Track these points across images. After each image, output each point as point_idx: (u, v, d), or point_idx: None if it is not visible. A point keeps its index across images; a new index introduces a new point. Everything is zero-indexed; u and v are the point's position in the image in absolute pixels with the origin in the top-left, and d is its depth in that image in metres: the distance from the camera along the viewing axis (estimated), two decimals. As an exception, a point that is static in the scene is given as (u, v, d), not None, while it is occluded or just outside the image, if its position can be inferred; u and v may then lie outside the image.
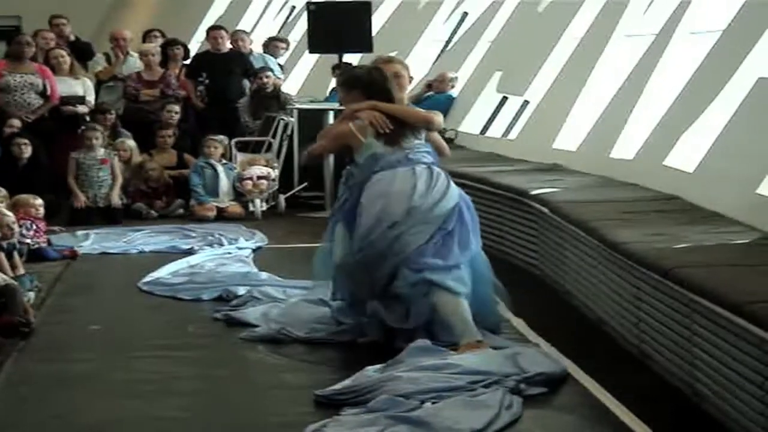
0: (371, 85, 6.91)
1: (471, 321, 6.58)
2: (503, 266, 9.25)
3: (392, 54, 7.49)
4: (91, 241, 10.32)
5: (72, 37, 13.81)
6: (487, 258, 7.01)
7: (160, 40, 13.85)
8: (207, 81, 13.12)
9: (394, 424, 5.30)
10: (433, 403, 5.58)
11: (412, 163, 6.78)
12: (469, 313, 6.60)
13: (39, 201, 9.96)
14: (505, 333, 7.03)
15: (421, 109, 7.13)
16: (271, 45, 14.37)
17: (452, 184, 6.87)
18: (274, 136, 12.66)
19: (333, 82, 14.28)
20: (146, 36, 14.12)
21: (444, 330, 6.57)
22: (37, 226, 9.74)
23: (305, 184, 12.48)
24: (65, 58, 12.49)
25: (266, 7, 20.86)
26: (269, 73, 13.09)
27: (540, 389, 5.90)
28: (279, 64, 14.45)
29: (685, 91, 9.15)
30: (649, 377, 6.34)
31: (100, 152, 11.72)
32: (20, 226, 9.16)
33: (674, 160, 8.90)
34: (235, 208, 11.92)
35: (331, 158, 11.75)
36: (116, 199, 11.61)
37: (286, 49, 14.92)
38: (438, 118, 7.00)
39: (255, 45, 14.70)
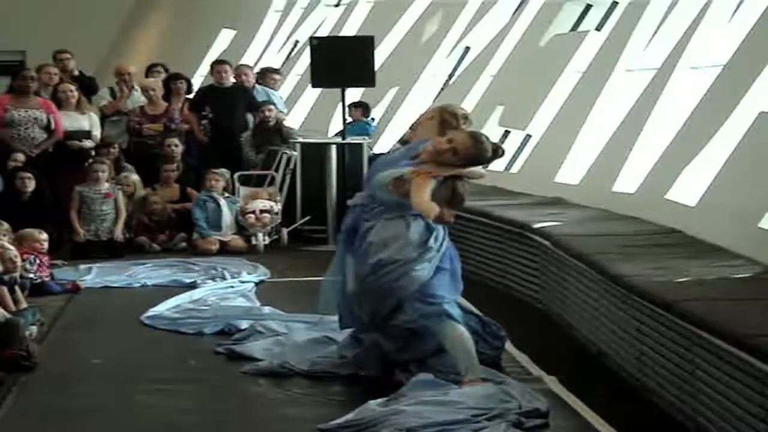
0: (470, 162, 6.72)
1: (476, 357, 6.58)
2: (505, 299, 9.28)
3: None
4: (93, 275, 10.32)
5: (76, 72, 13.86)
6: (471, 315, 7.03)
7: (163, 75, 13.89)
8: (211, 115, 13.15)
9: (396, 458, 5.29)
10: (436, 436, 5.57)
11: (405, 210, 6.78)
12: (474, 348, 6.60)
13: (44, 236, 9.97)
14: (507, 366, 7.03)
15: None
16: (266, 77, 14.40)
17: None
18: (276, 170, 12.68)
19: (336, 116, 14.34)
20: (149, 70, 14.17)
21: (443, 362, 6.57)
22: (40, 260, 9.75)
23: (308, 217, 12.49)
24: (73, 93, 12.52)
25: (270, 42, 20.95)
26: (271, 107, 13.13)
27: (538, 421, 5.90)
28: (280, 97, 14.49)
29: (687, 125, 9.18)
30: (651, 410, 6.33)
31: (105, 186, 11.75)
32: (24, 261, 9.17)
33: (676, 193, 8.91)
34: (238, 241, 11.93)
35: (334, 191, 11.78)
36: (119, 234, 11.63)
37: (281, 79, 14.95)
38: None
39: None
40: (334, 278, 7.01)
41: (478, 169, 6.84)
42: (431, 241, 6.71)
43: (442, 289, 6.68)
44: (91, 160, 12.07)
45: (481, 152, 6.69)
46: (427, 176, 6.56)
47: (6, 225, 9.73)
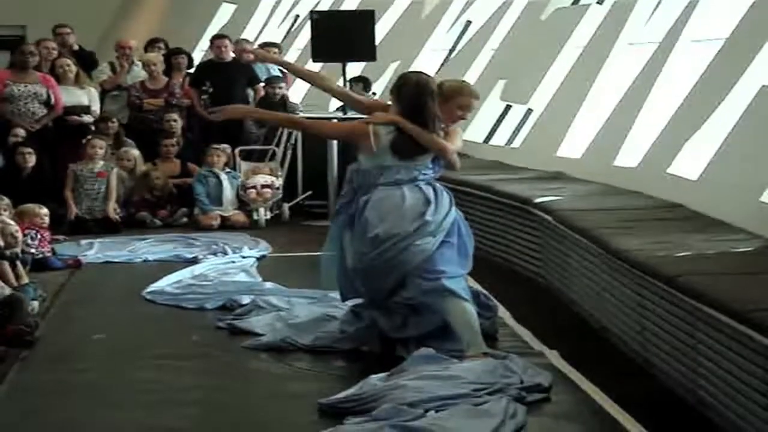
0: (406, 97, 6.84)
1: (479, 331, 6.59)
2: (507, 274, 9.29)
3: (461, 81, 7.14)
4: (95, 251, 10.32)
5: (76, 47, 13.82)
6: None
7: (163, 50, 13.85)
8: (211, 90, 13.13)
9: (397, 433, 5.30)
10: (437, 411, 5.58)
11: (415, 181, 6.79)
12: (477, 323, 6.61)
13: (44, 210, 9.97)
14: (508, 341, 7.04)
15: (441, 141, 6.84)
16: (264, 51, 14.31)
17: (453, 201, 6.89)
18: (278, 145, 12.67)
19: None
20: (149, 46, 14.13)
21: (443, 345, 6.57)
22: (41, 235, 9.74)
23: (309, 192, 12.49)
24: (71, 68, 12.50)
25: (270, 16, 20.89)
26: (282, 85, 13.09)
27: (539, 395, 5.91)
28: (281, 70, 14.43)
29: (689, 99, 9.16)
30: (653, 385, 6.34)
31: (99, 165, 11.73)
32: (25, 236, 9.17)
33: (678, 168, 8.90)
34: (239, 216, 11.93)
35: (335, 166, 11.77)
36: (111, 213, 11.60)
37: (279, 53, 14.88)
38: (454, 155, 6.84)
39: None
40: (331, 253, 7.02)
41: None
42: (429, 213, 6.69)
43: (445, 263, 6.66)
44: (90, 137, 12.05)
45: (398, 86, 6.94)
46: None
47: (6, 200, 9.73)
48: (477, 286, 7.59)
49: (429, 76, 7.10)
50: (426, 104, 6.80)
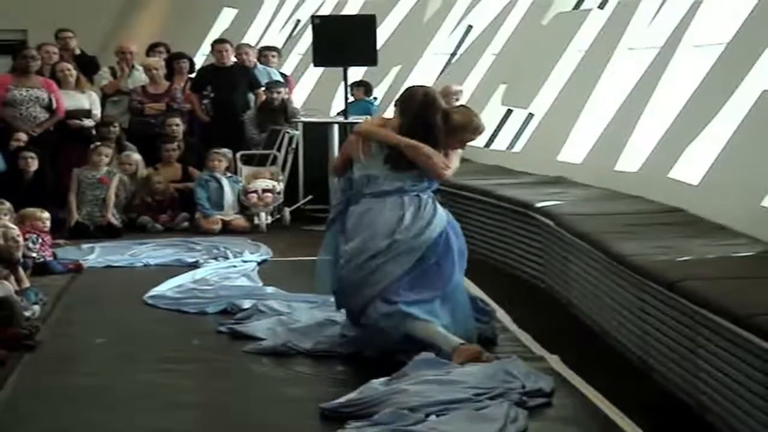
0: (411, 111, 6.86)
1: (446, 332, 6.58)
2: (508, 279, 9.29)
3: (470, 114, 7.10)
4: (96, 255, 10.33)
5: (77, 51, 13.84)
6: (466, 292, 7.00)
7: (164, 55, 13.87)
8: (212, 94, 13.14)
9: (398, 437, 5.30)
10: (438, 416, 5.58)
11: (402, 192, 6.79)
12: (443, 329, 6.60)
13: (46, 214, 9.98)
14: (509, 345, 7.04)
15: (439, 167, 6.83)
16: (263, 55, 14.34)
17: (439, 211, 6.85)
18: (279, 149, 12.67)
19: (338, 95, 14.34)
20: (151, 50, 14.14)
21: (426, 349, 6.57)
22: (43, 239, 9.75)
23: (310, 197, 12.49)
24: (71, 72, 12.51)
25: (271, 21, 20.90)
26: (281, 89, 13.11)
27: (541, 400, 5.91)
28: (283, 74, 14.45)
29: (690, 103, 9.16)
30: (654, 389, 6.34)
31: (102, 171, 11.74)
32: (26, 240, 9.17)
33: (679, 172, 8.90)
34: (240, 221, 11.93)
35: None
36: (111, 219, 11.60)
37: (279, 57, 14.91)
38: (448, 172, 6.88)
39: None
40: (326, 258, 7.04)
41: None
42: (398, 232, 6.66)
43: (415, 287, 6.64)
44: (98, 143, 12.07)
45: (404, 98, 7.03)
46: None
47: (8, 204, 9.73)
48: (474, 291, 7.59)
49: (435, 91, 7.07)
50: (431, 121, 6.82)
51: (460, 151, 7.04)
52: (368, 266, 6.67)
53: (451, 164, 6.89)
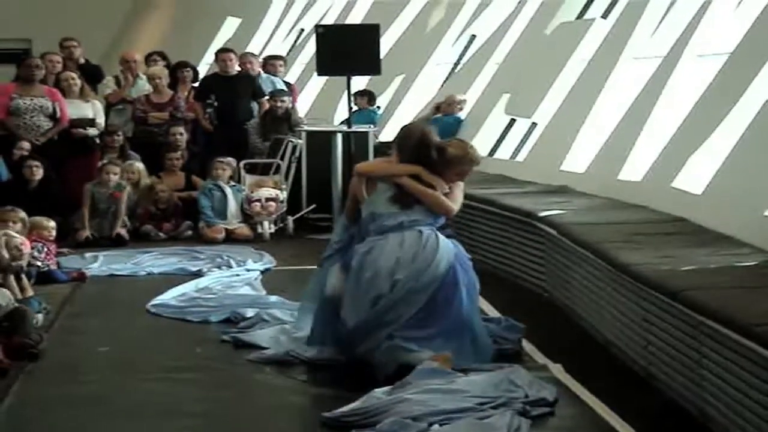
0: (408, 150, 6.97)
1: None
2: (511, 287, 9.29)
3: (465, 146, 7.19)
4: (99, 263, 10.33)
5: (81, 60, 13.86)
6: (483, 325, 7.01)
7: (161, 63, 13.88)
8: (216, 103, 13.15)
9: (401, 446, 5.30)
10: (442, 425, 5.58)
11: (403, 228, 6.81)
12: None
13: (52, 224, 9.99)
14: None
15: (445, 202, 6.95)
16: (269, 64, 14.37)
17: (444, 245, 6.82)
18: (282, 158, 12.68)
19: (341, 104, 14.35)
20: (147, 59, 14.15)
21: None
22: (48, 248, 9.76)
23: (313, 206, 12.49)
24: (76, 81, 12.53)
25: (275, 30, 20.93)
26: (285, 98, 13.12)
27: (544, 409, 5.91)
28: (287, 83, 14.47)
29: (693, 113, 9.16)
30: (657, 399, 6.33)
31: (112, 186, 11.75)
32: (32, 248, 9.17)
33: (682, 182, 8.90)
34: (244, 230, 11.94)
35: (339, 179, 11.77)
36: (119, 231, 11.60)
37: (284, 66, 14.93)
38: (456, 207, 6.97)
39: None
40: (310, 304, 7.15)
41: None
42: (399, 272, 6.68)
43: (417, 325, 6.65)
44: (105, 161, 12.09)
45: (401, 138, 7.19)
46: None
47: (22, 213, 9.61)
48: (496, 313, 7.73)
49: (430, 129, 7.17)
50: (428, 158, 6.92)
51: (461, 184, 7.10)
52: (377, 308, 6.69)
53: (455, 197, 6.98)
